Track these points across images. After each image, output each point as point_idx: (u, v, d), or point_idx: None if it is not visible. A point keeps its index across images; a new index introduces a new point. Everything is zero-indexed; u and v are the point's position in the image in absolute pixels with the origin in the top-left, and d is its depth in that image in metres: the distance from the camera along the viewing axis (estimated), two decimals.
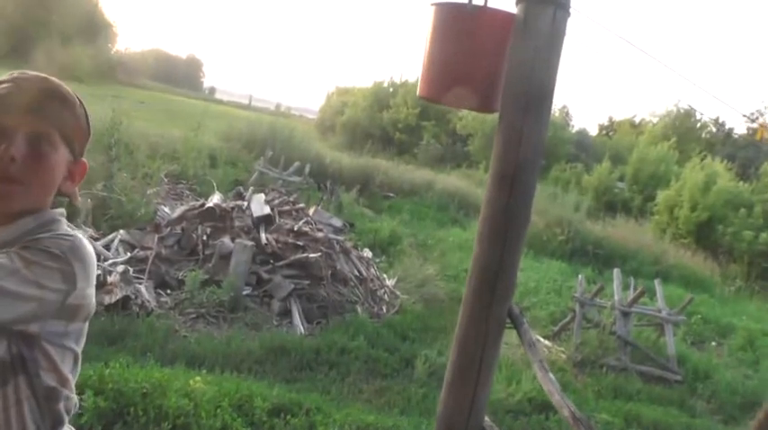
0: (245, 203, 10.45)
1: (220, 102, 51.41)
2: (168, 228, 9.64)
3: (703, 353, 11.93)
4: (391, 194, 21.81)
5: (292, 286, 8.94)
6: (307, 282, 9.21)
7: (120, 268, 8.01)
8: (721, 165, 26.28)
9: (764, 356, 12.34)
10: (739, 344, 12.89)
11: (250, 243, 8.95)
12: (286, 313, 8.76)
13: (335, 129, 38.40)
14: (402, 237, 15.23)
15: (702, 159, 27.48)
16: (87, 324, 1.50)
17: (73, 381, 1.48)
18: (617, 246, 19.42)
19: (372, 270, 10.89)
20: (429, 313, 10.29)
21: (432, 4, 2.72)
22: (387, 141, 36.29)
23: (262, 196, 11.03)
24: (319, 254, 9.45)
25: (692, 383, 9.82)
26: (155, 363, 5.95)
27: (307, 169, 17.80)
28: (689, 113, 42.03)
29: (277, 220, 10.17)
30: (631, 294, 10.75)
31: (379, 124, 37.93)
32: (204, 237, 9.37)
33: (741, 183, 25.40)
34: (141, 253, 9.10)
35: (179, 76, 61.73)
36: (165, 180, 14.27)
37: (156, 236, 9.45)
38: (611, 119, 51.58)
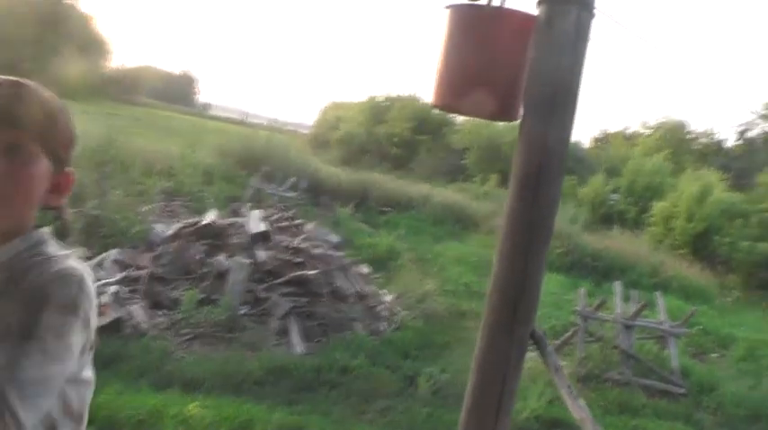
0: (242, 220, 10.26)
1: (215, 117, 51.28)
2: (163, 247, 9.44)
3: (706, 365, 11.78)
4: (388, 209, 21.64)
5: (291, 304, 8.75)
6: (305, 299, 9.02)
7: (113, 289, 7.81)
8: (716, 176, 26.25)
9: (766, 367, 12.19)
10: (740, 354, 12.75)
11: (247, 261, 8.76)
12: (284, 332, 8.55)
13: (330, 144, 38.20)
14: (400, 251, 15.05)
15: (696, 170, 27.46)
16: None
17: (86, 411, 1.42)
18: (615, 258, 19.30)
19: (371, 286, 10.70)
20: (430, 329, 10.10)
21: (447, 6, 2.56)
22: (382, 156, 36.14)
23: (258, 213, 10.84)
24: (317, 270, 9.26)
25: (697, 396, 9.67)
26: (149, 388, 5.75)
27: (302, 185, 17.62)
28: (681, 125, 42.12)
29: (274, 237, 9.98)
30: (633, 307, 10.59)
31: (374, 139, 37.80)
32: (200, 256, 9.17)
33: (736, 193, 25.37)
34: (135, 272, 8.88)
35: (173, 92, 61.59)
36: (160, 197, 14.08)
37: (151, 254, 9.25)
38: (604, 131, 51.62)
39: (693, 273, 20.43)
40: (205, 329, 8.04)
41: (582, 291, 10.83)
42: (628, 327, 10.04)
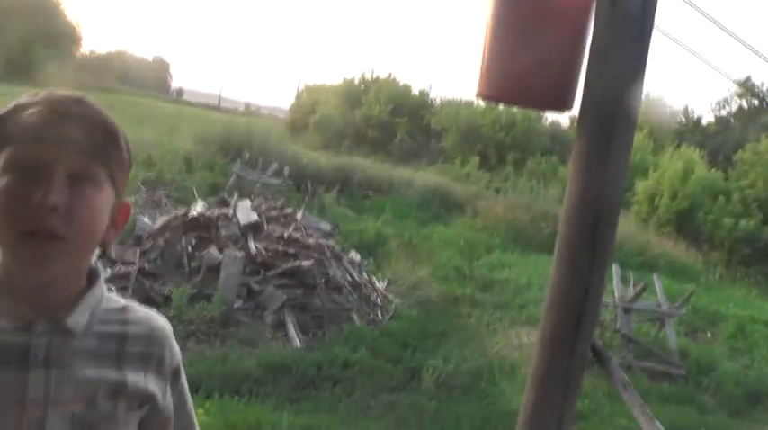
0: (231, 211, 9.97)
1: (189, 103, 50.54)
2: (150, 241, 9.14)
3: (700, 345, 11.76)
4: (371, 193, 21.39)
5: (285, 297, 8.52)
6: (300, 291, 8.80)
7: None
8: (696, 154, 26.31)
9: (756, 344, 12.22)
10: (730, 332, 12.78)
11: (239, 253, 8.49)
12: (280, 325, 8.32)
13: (308, 128, 37.75)
14: (388, 237, 14.83)
15: (677, 148, 27.49)
16: None
17: None
18: None
19: (364, 275, 10.49)
20: (426, 318, 9.93)
21: None
22: (360, 139, 35.78)
23: (248, 202, 10.55)
24: (312, 261, 9.02)
25: (696, 377, 9.68)
26: None
27: (285, 171, 17.31)
28: (659, 101, 42.20)
29: (265, 228, 9.71)
30: (631, 289, 10.50)
31: (351, 122, 37.39)
32: (189, 249, 8.89)
33: (714, 170, 25.50)
34: (123, 268, 8.57)
35: (146, 78, 60.55)
36: (143, 188, 13.72)
37: (138, 249, 8.94)
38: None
39: (679, 250, 20.46)
40: (199, 326, 7.79)
41: None
42: (627, 311, 9.93)
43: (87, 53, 48.85)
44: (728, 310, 14.29)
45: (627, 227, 21.48)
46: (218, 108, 47.80)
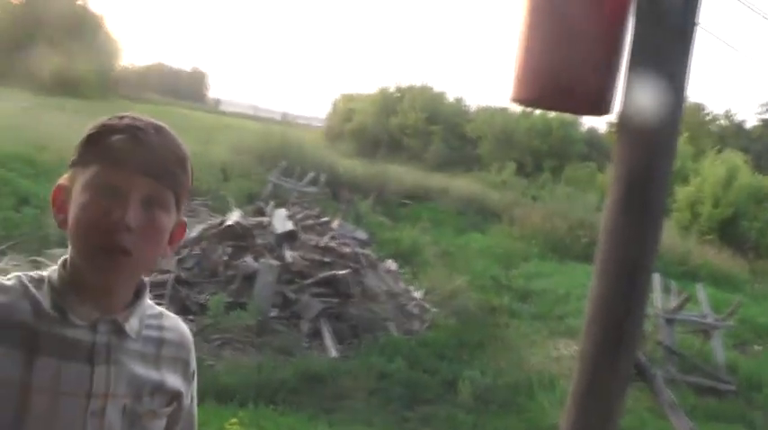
0: (267, 220, 9.96)
1: (226, 113, 51.04)
2: (187, 249, 9.16)
3: (750, 359, 11.36)
4: (407, 201, 21.32)
5: (321, 306, 8.46)
6: (336, 300, 8.73)
7: None
8: (740, 158, 25.68)
9: None
10: None
11: (275, 262, 8.46)
12: (316, 334, 8.27)
13: (344, 137, 37.83)
14: (424, 245, 14.74)
15: (718, 152, 26.89)
16: None
17: None
18: None
19: (401, 283, 10.41)
20: (463, 328, 9.79)
21: None
22: (395, 147, 35.77)
23: (284, 211, 10.53)
24: (347, 270, 8.96)
25: (747, 393, 9.26)
26: None
27: (322, 179, 17.31)
28: (698, 107, 41.46)
29: (301, 236, 9.68)
30: (673, 300, 10.22)
31: (387, 130, 37.44)
32: (225, 258, 8.88)
33: (759, 176, 24.86)
34: (160, 277, 8.58)
35: (183, 89, 61.39)
36: None
37: (175, 257, 8.96)
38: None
39: (723, 259, 19.97)
40: (235, 334, 7.77)
41: None
42: (669, 322, 9.67)
43: (128, 65, 49.61)
44: None
45: (667, 235, 21.00)
46: (254, 118, 48.12)
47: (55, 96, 26.18)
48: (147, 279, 1.31)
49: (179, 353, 1.34)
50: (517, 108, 35.47)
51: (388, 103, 39.05)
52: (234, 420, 4.93)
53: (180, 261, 8.85)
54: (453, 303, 10.75)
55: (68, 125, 14.47)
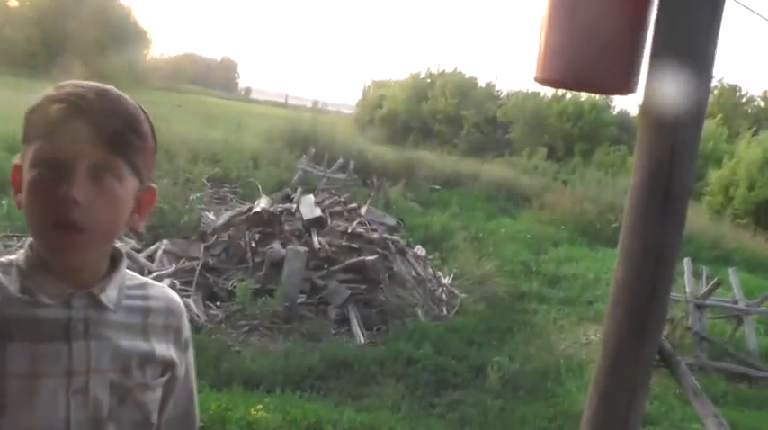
0: (295, 206, 9.95)
1: (256, 102, 51.23)
2: (214, 236, 9.20)
3: None
4: (437, 187, 21.22)
5: (349, 292, 8.43)
6: (363, 286, 8.70)
7: (167, 281, 7.57)
8: None
9: None
10: None
11: (303, 248, 8.44)
12: (343, 321, 8.26)
13: (374, 123, 37.74)
14: (453, 231, 14.64)
15: (754, 134, 26.32)
16: None
17: None
18: None
19: (429, 269, 10.35)
20: (492, 313, 9.74)
21: None
22: (427, 132, 35.65)
23: (311, 197, 10.51)
24: (375, 256, 8.93)
25: None
26: (209, 388, 5.47)
27: (351, 165, 17.29)
28: (734, 88, 40.63)
29: (329, 223, 9.66)
30: (704, 285, 10.04)
31: (418, 116, 37.31)
32: (253, 244, 8.89)
33: None
34: (187, 263, 8.63)
35: (214, 78, 61.77)
36: (208, 184, 13.88)
37: (202, 244, 9.00)
38: None
39: (757, 244, 19.57)
40: (262, 321, 7.78)
41: None
42: (699, 307, 9.50)
43: (158, 56, 50.01)
44: None
45: (699, 219, 20.67)
46: (285, 106, 48.23)
47: None
48: (124, 249, 1.28)
49: (168, 320, 1.31)
50: (549, 92, 35.18)
51: (419, 89, 38.89)
52: (260, 406, 4.94)
53: (207, 248, 8.89)
54: (482, 289, 10.68)
55: None
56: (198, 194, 12.14)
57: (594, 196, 20.10)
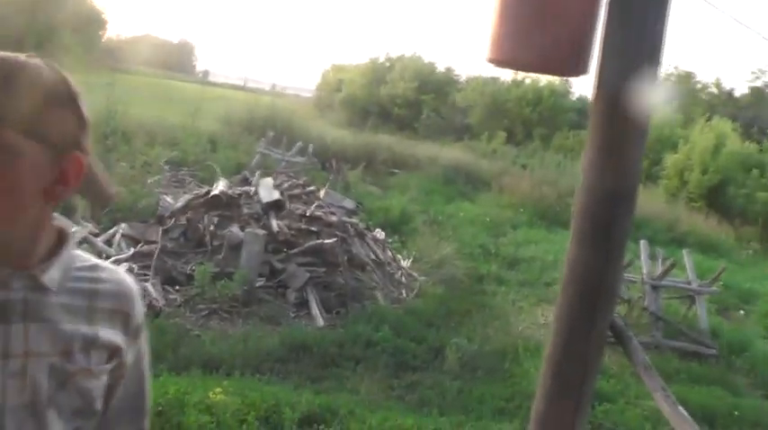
0: (253, 189, 9.90)
1: (214, 84, 50.58)
2: (173, 220, 9.11)
3: (733, 324, 11.48)
4: (396, 171, 21.27)
5: (308, 275, 8.43)
6: (323, 269, 8.71)
7: (125, 265, 7.49)
8: (728, 126, 25.66)
9: None
10: (765, 310, 12.35)
11: (261, 232, 8.42)
12: (303, 304, 8.26)
13: (333, 107, 37.63)
14: (413, 214, 14.71)
15: (707, 121, 26.89)
16: None
17: None
18: None
19: (388, 252, 10.39)
20: (450, 296, 9.82)
21: None
22: (386, 117, 35.62)
23: (270, 180, 10.46)
24: (334, 239, 8.94)
25: (729, 357, 9.39)
26: (168, 373, 5.44)
27: (310, 149, 17.22)
28: (689, 75, 41.28)
29: (287, 206, 9.63)
30: (659, 266, 10.26)
31: (377, 100, 37.24)
32: (212, 228, 8.83)
33: (747, 143, 24.89)
34: (145, 247, 8.55)
35: (172, 61, 60.69)
36: (166, 168, 13.72)
37: (161, 228, 8.91)
38: None
39: (710, 226, 20.05)
40: (221, 304, 7.75)
41: None
42: (655, 288, 9.72)
43: (114, 37, 48.99)
44: (763, 288, 13.89)
45: (655, 202, 21.10)
46: (243, 89, 47.73)
47: None
48: (73, 229, 1.25)
49: (118, 304, 1.25)
50: (508, 77, 35.36)
51: (378, 73, 38.79)
52: (219, 389, 4.93)
53: (165, 231, 8.80)
54: (441, 271, 10.77)
55: None
56: (156, 178, 12.01)
57: (553, 180, 20.34)
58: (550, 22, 2.14)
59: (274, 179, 10.91)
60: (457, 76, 39.59)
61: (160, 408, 4.38)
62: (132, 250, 8.45)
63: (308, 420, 4.96)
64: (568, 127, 34.05)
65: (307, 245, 8.82)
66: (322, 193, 11.11)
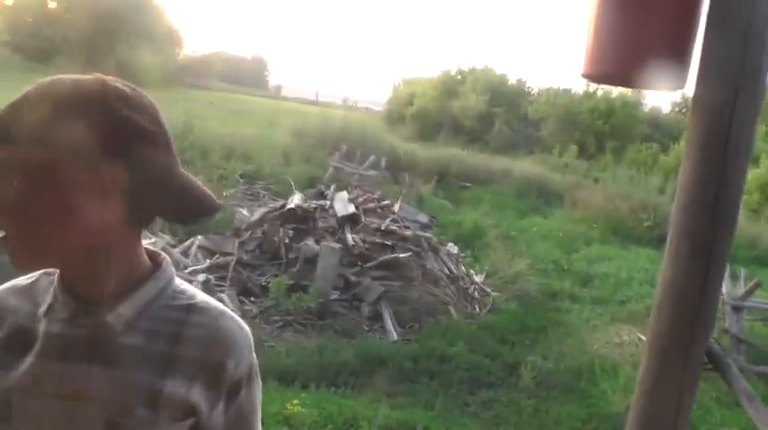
0: (328, 203, 9.99)
1: (287, 99, 51.43)
2: (248, 232, 9.26)
3: None
4: (468, 184, 21.16)
5: (382, 289, 8.44)
6: (397, 283, 8.70)
7: (201, 277, 7.64)
8: None
9: None
10: None
11: (337, 245, 8.48)
12: (377, 317, 8.27)
13: (405, 120, 37.72)
14: (485, 229, 14.60)
15: None
16: None
17: None
18: None
19: (462, 267, 10.33)
20: (524, 312, 9.68)
21: None
22: (457, 130, 35.51)
23: (345, 194, 10.54)
24: (409, 253, 8.93)
25: None
26: None
27: (382, 163, 17.30)
28: None
29: (363, 219, 9.68)
30: (741, 286, 9.87)
31: (448, 113, 37.19)
32: (287, 240, 8.93)
33: None
34: (221, 259, 8.72)
35: (245, 76, 62.10)
36: (241, 181, 13.98)
37: (237, 240, 9.07)
38: (683, 95, 49.40)
39: None
40: (296, 316, 7.82)
41: None
42: (737, 309, 9.35)
43: (189, 54, 50.40)
44: None
45: None
46: (315, 103, 48.38)
47: None
48: (152, 240, 1.17)
49: (207, 354, 1.09)
50: (580, 88, 34.86)
51: (449, 86, 38.77)
52: (296, 401, 4.96)
53: (241, 243, 8.95)
54: (514, 287, 10.64)
55: None
56: (231, 191, 12.24)
57: (626, 194, 19.89)
58: (648, 36, 2.09)
59: (349, 193, 10.99)
60: (529, 87, 39.30)
61: None
62: (208, 261, 8.61)
63: None
64: (641, 139, 33.34)
65: (381, 259, 8.83)
66: (396, 207, 11.13)
